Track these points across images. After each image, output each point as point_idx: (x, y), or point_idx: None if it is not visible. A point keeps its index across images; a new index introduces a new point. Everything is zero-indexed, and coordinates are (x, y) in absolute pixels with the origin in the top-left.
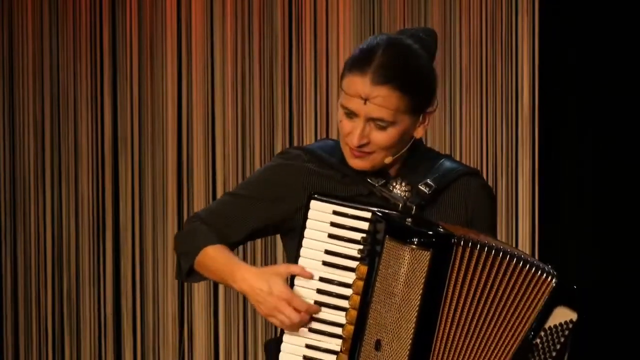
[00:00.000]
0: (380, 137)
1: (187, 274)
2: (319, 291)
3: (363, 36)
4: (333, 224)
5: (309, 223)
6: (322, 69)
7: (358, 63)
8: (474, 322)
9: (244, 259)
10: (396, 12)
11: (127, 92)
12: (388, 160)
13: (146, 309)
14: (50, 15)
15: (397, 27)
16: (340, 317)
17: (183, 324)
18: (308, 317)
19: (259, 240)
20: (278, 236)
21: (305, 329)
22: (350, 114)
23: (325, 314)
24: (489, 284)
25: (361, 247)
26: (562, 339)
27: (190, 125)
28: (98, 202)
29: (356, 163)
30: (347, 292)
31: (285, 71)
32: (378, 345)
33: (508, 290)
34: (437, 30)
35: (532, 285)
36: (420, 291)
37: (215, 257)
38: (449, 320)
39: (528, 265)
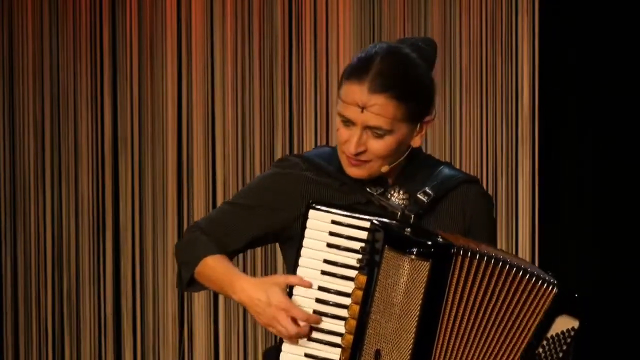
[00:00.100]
0: (377, 146)
1: (188, 283)
2: (318, 300)
3: (363, 36)
4: (332, 233)
5: (307, 232)
6: (322, 69)
7: (356, 71)
8: (474, 332)
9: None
10: (396, 12)
11: (127, 92)
12: (385, 169)
13: (146, 309)
14: (50, 15)
15: (397, 27)
16: (339, 326)
17: (183, 324)
18: (307, 328)
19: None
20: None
21: (305, 338)
22: (348, 122)
23: (325, 323)
24: (489, 293)
25: (360, 256)
26: (565, 347)
27: (190, 125)
28: (98, 202)
29: (353, 171)
30: (347, 301)
31: (285, 71)
32: (377, 356)
33: (508, 299)
34: (437, 30)
35: (532, 295)
36: (420, 301)
37: (214, 267)
38: (449, 330)
39: (528, 275)
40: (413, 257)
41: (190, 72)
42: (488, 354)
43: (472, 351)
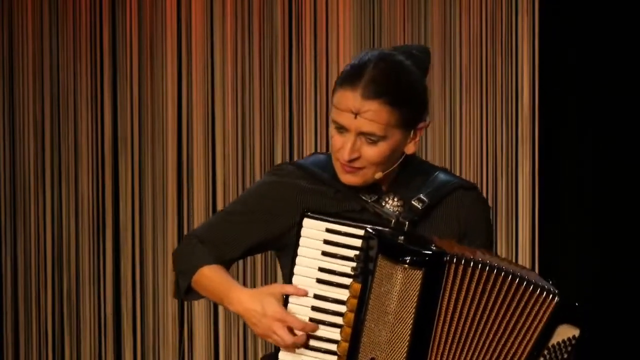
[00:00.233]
0: (371, 152)
1: (185, 292)
2: (314, 308)
3: (363, 36)
4: (326, 242)
5: (302, 241)
6: (322, 69)
7: (349, 78)
8: (471, 341)
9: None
10: (396, 12)
11: (127, 92)
12: (378, 175)
13: (146, 309)
14: (50, 15)
15: (397, 27)
16: (335, 334)
17: (183, 324)
18: (304, 337)
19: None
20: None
21: (301, 346)
22: (341, 129)
23: (321, 331)
24: (484, 301)
25: (354, 264)
26: (566, 355)
27: (190, 125)
28: (98, 202)
29: (347, 178)
30: (342, 309)
31: (285, 71)
32: None
33: (504, 307)
34: (437, 30)
35: (532, 304)
36: (414, 310)
37: (211, 277)
38: (444, 339)
39: (525, 283)
40: (406, 266)
41: (190, 72)
42: None
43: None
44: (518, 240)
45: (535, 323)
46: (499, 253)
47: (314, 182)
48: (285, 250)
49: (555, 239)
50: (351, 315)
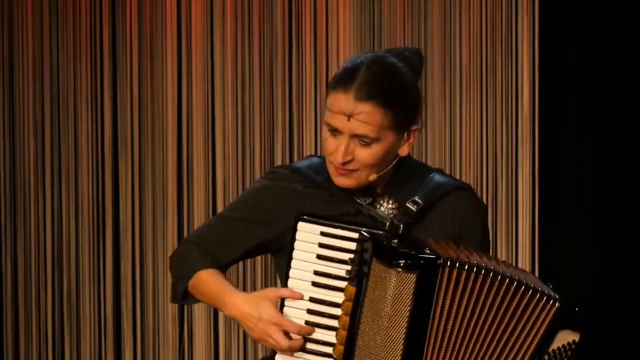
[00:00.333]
0: (365, 154)
1: (182, 297)
2: (310, 311)
3: (363, 36)
4: (321, 245)
5: (297, 244)
6: (322, 69)
7: (342, 80)
8: (465, 345)
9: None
10: (396, 12)
11: (127, 92)
12: (372, 177)
13: (146, 309)
14: (50, 15)
15: (397, 27)
16: (331, 337)
17: (183, 324)
18: (300, 340)
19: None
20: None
21: (297, 350)
22: (335, 131)
23: (316, 334)
24: (479, 305)
25: (349, 267)
26: None
27: (190, 125)
28: (98, 202)
29: (341, 181)
30: (338, 312)
31: (285, 71)
32: None
33: (501, 312)
34: (437, 30)
35: (530, 309)
36: (408, 314)
37: (207, 281)
38: (439, 343)
39: (524, 287)
40: (399, 269)
41: (190, 72)
42: None
43: None
44: (518, 240)
45: (535, 329)
46: (498, 254)
47: (309, 186)
48: (281, 253)
49: (555, 239)
50: (346, 319)
